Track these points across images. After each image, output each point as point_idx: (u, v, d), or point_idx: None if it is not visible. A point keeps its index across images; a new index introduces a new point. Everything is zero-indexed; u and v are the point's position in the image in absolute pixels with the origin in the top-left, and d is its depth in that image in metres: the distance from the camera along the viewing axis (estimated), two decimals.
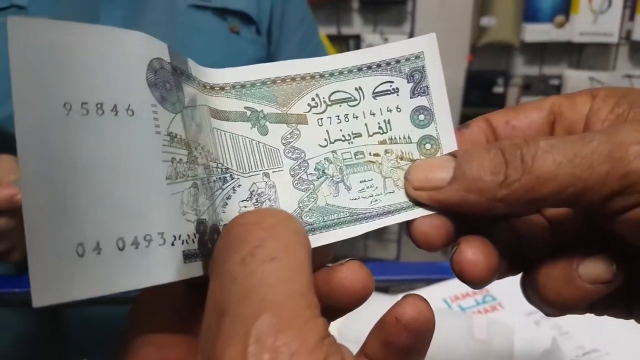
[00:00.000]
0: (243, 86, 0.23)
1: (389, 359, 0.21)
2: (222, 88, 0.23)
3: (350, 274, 0.21)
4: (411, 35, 1.63)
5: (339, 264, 0.21)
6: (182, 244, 0.19)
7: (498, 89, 1.68)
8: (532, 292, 0.23)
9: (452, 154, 0.22)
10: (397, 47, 0.24)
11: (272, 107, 0.23)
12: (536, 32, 1.60)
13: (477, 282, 0.22)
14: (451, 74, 1.66)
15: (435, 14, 1.61)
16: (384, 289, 0.82)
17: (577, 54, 1.67)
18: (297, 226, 0.18)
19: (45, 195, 0.16)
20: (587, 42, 1.61)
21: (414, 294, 0.21)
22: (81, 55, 0.17)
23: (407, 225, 0.23)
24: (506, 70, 1.70)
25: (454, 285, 0.60)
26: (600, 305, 0.24)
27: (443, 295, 0.60)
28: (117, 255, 0.17)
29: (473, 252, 0.21)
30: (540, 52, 1.67)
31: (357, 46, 1.62)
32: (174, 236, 0.18)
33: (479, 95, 1.67)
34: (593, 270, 0.21)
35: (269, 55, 0.70)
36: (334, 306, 0.21)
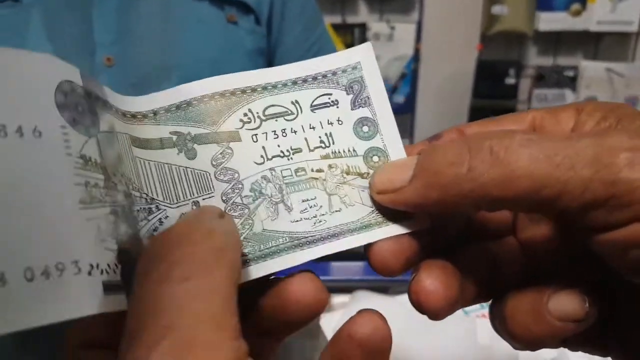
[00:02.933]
0: (167, 110, 0.22)
1: None
2: (144, 116, 0.21)
3: (301, 286, 0.20)
4: (419, 24, 1.58)
5: (289, 276, 0.20)
6: (102, 273, 0.17)
7: (510, 80, 1.63)
8: (500, 323, 0.21)
9: (419, 153, 0.20)
10: (332, 59, 0.23)
11: (200, 128, 0.22)
12: (551, 21, 1.55)
13: (434, 314, 0.20)
14: (460, 64, 1.62)
15: (444, 1, 1.56)
16: (384, 289, 0.80)
17: (594, 44, 1.62)
18: (220, 241, 0.17)
19: None
20: (605, 32, 1.55)
21: (370, 309, 0.19)
22: None
23: (364, 249, 0.21)
24: (518, 60, 1.65)
25: None
26: (574, 341, 0.22)
27: None
28: (25, 286, 0.15)
29: (432, 281, 0.20)
30: (555, 41, 1.62)
31: (363, 35, 1.58)
32: (91, 265, 0.17)
33: (489, 86, 1.62)
34: (564, 306, 0.20)
35: (270, 47, 0.67)
36: (287, 320, 0.20)
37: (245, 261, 0.21)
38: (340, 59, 0.23)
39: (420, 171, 0.19)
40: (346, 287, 0.75)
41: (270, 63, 0.67)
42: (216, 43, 0.62)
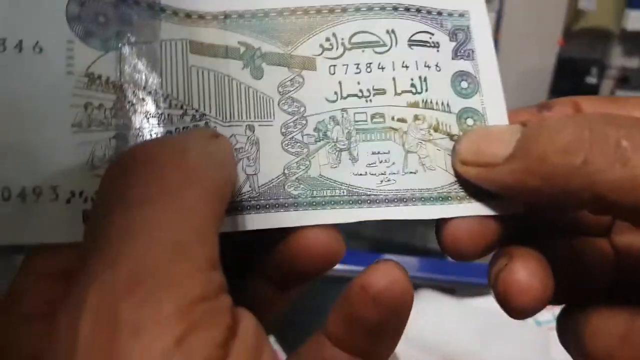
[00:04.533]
0: (241, 16, 0.20)
1: (355, 340, 0.17)
2: (214, 17, 0.19)
3: (316, 234, 0.18)
4: (499, 14, 1.53)
5: (304, 228, 0.18)
6: (85, 202, 0.17)
7: (591, 80, 1.58)
8: (574, 339, 0.19)
9: (523, 123, 0.18)
10: None
11: (273, 45, 0.20)
12: None
13: (521, 312, 0.18)
14: (540, 58, 1.56)
15: None
16: (450, 290, 0.75)
17: None
18: (195, 160, 0.15)
19: None
20: None
21: (387, 260, 0.17)
22: None
23: (436, 226, 0.19)
24: (602, 59, 1.59)
25: None
26: None
27: None
28: (1, 205, 0.16)
29: (527, 274, 0.17)
30: None
31: None
32: (72, 192, 0.16)
33: (569, 84, 1.56)
34: None
35: None
36: (297, 269, 0.18)
37: (293, 204, 0.19)
38: (447, 0, 0.21)
39: (521, 151, 0.17)
40: None
41: None
42: None
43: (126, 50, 0.18)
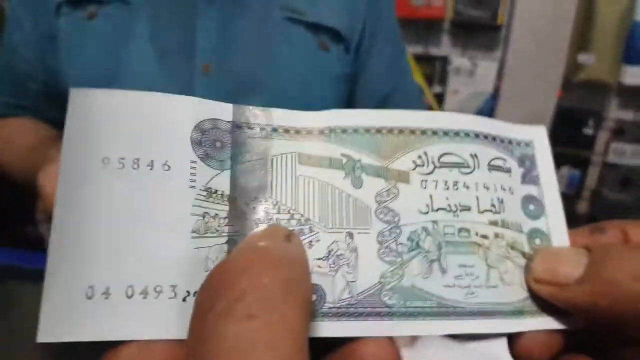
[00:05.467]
0: (344, 131, 0.21)
1: None
2: (321, 132, 0.21)
3: (375, 351, 0.18)
4: (502, 63, 1.57)
5: (365, 338, 0.18)
6: None
7: (588, 130, 1.60)
8: None
9: (587, 248, 0.19)
10: (506, 126, 0.23)
11: (372, 158, 0.21)
12: (637, 75, 1.51)
13: None
14: (539, 108, 1.59)
15: (529, 44, 1.55)
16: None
17: None
18: (290, 276, 0.15)
19: (71, 236, 0.17)
20: None
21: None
22: (131, 120, 0.19)
23: (507, 335, 0.20)
24: (599, 111, 1.61)
25: None
26: None
27: None
28: (125, 302, 0.17)
29: None
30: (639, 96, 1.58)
31: (444, 68, 1.58)
32: (188, 292, 0.18)
33: (567, 134, 1.58)
34: None
35: (354, 73, 0.70)
36: None
37: (388, 314, 0.19)
38: (514, 130, 0.23)
39: (593, 275, 0.18)
40: None
41: (352, 90, 0.69)
42: (307, 65, 0.64)
43: (239, 168, 0.20)
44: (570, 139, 1.59)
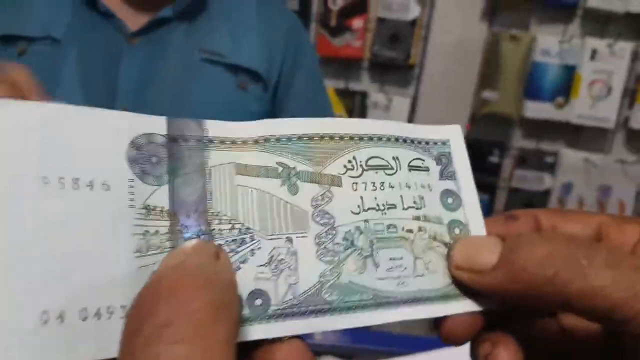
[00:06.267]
0: (278, 140, 0.22)
1: None
2: (255, 142, 0.21)
3: (289, 355, 0.19)
4: (414, 98, 1.69)
5: (277, 342, 0.19)
6: None
7: (493, 159, 1.71)
8: None
9: (501, 237, 0.21)
10: (425, 129, 0.25)
11: (306, 165, 0.22)
12: (536, 110, 1.64)
13: None
14: None
15: (439, 82, 1.66)
16: (349, 356, 0.78)
17: (575, 134, 1.71)
18: (219, 297, 0.15)
19: (15, 260, 0.16)
20: (585, 125, 1.65)
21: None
22: (65, 135, 0.18)
23: (434, 318, 0.22)
24: (503, 141, 1.73)
25: None
26: None
27: None
28: (80, 325, 0.17)
29: (509, 356, 0.21)
30: (540, 128, 1.71)
31: (363, 102, 1.68)
32: None
33: (475, 162, 1.64)
34: None
35: (273, 110, 0.73)
36: None
37: (329, 310, 0.20)
38: (432, 131, 0.25)
39: (505, 262, 0.20)
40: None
41: None
42: (225, 103, 0.67)
43: (177, 182, 0.19)
44: (478, 167, 1.67)
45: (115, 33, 0.64)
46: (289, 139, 0.22)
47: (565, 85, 1.62)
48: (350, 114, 1.66)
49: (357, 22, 1.59)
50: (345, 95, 1.68)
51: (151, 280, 0.16)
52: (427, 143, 0.24)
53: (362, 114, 1.67)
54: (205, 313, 0.14)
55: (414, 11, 1.58)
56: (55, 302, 0.16)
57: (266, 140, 0.21)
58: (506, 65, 1.62)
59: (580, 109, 1.63)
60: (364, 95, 1.68)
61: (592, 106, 1.63)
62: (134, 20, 0.65)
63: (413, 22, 1.58)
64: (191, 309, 0.14)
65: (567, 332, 0.23)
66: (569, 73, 1.61)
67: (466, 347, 0.22)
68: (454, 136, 0.25)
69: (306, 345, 0.19)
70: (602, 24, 1.59)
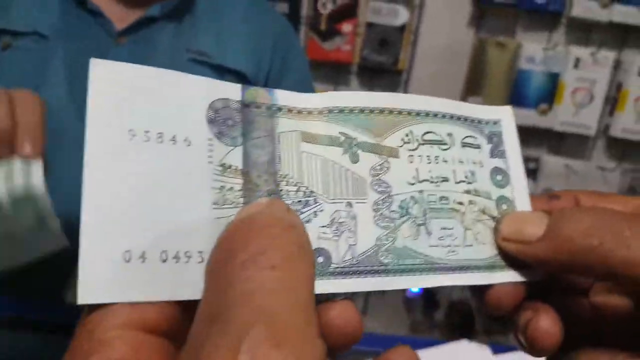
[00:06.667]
0: (341, 111, 0.23)
1: None
2: (320, 112, 0.23)
3: (342, 312, 0.20)
4: None
5: (331, 301, 0.20)
6: None
7: None
8: None
9: (547, 211, 0.22)
10: (479, 108, 0.26)
11: (367, 136, 0.23)
12: (520, 116, 1.65)
13: (545, 353, 0.22)
14: None
15: (427, 87, 1.67)
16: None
17: (558, 141, 1.74)
18: (301, 239, 0.16)
19: (103, 204, 0.18)
20: (567, 132, 1.69)
21: (404, 345, 0.20)
22: (152, 95, 0.19)
23: (480, 286, 0.23)
24: None
25: None
26: None
27: None
28: (160, 266, 0.18)
29: (550, 323, 0.22)
30: (523, 134, 1.69)
31: None
32: None
33: None
34: None
35: None
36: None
37: (385, 271, 0.22)
38: (485, 111, 0.26)
39: (552, 233, 0.21)
40: None
41: None
42: None
43: (250, 144, 0.21)
44: None
45: (103, 31, 0.64)
46: (352, 110, 0.23)
47: (549, 92, 1.64)
48: None
49: (346, 27, 1.59)
50: None
51: (245, 217, 0.17)
52: (479, 122, 0.26)
53: None
54: (292, 247, 0.16)
55: (403, 16, 1.59)
56: (138, 242, 0.18)
57: (330, 111, 0.23)
58: (492, 72, 1.64)
59: (563, 116, 1.66)
60: None
61: (575, 113, 1.66)
62: (121, 19, 0.64)
63: (402, 28, 1.59)
64: (282, 242, 0.16)
65: (598, 311, 0.24)
66: (553, 80, 1.64)
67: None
68: (505, 117, 0.26)
69: (356, 307, 0.20)
70: (586, 32, 1.62)
